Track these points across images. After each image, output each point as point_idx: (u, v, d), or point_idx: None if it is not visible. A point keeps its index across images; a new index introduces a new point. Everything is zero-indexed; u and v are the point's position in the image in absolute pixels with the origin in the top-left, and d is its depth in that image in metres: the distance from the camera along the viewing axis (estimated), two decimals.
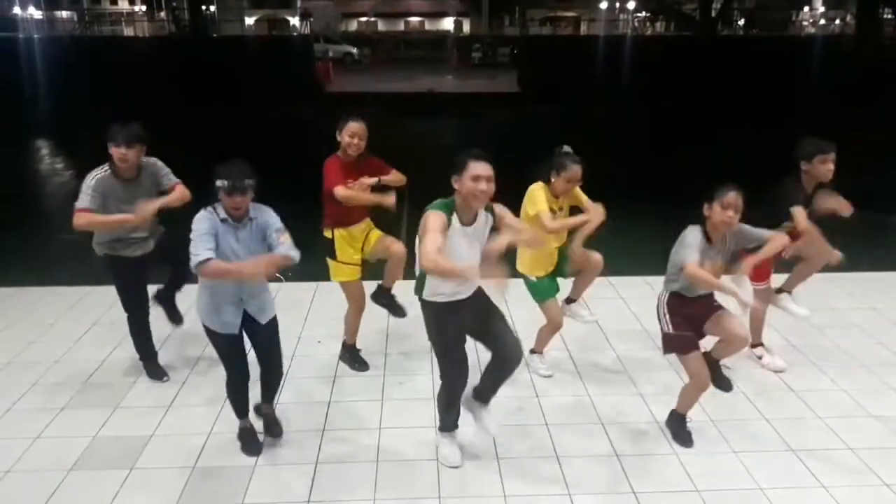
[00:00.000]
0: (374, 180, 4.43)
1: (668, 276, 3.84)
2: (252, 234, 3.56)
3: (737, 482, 3.69)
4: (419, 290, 3.58)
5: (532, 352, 4.85)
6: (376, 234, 4.67)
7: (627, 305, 5.92)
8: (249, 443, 3.96)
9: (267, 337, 3.84)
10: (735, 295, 3.55)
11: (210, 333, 3.74)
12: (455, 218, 3.40)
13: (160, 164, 4.46)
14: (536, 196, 4.30)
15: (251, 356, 3.89)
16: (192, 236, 3.40)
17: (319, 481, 3.71)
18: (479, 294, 3.66)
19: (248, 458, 3.89)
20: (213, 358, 4.74)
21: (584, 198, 4.45)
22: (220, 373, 3.94)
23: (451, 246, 3.36)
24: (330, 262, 4.63)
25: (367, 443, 4.04)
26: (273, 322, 3.85)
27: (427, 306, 3.60)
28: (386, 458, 3.90)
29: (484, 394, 3.82)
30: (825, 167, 4.28)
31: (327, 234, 4.58)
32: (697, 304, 3.81)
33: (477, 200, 3.36)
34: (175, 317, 4.87)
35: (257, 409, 4.05)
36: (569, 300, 4.83)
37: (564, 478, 3.72)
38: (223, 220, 3.49)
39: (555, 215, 4.31)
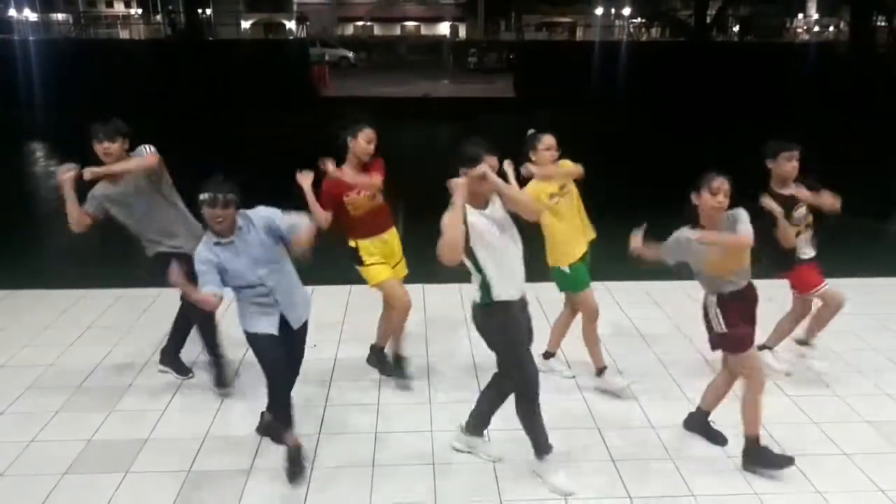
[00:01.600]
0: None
1: (704, 283, 3.78)
2: (250, 245, 3.54)
3: (733, 488, 3.69)
4: (487, 296, 3.47)
5: (548, 355, 4.85)
6: (402, 270, 4.65)
7: (624, 311, 5.92)
8: (296, 466, 3.71)
9: (296, 343, 3.83)
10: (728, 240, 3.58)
11: (252, 338, 3.69)
12: (468, 209, 3.38)
13: (144, 147, 4.35)
14: (528, 189, 4.34)
15: None
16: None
17: (315, 486, 3.70)
18: (525, 303, 3.64)
19: (243, 462, 3.88)
20: (208, 362, 4.73)
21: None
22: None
23: (476, 233, 3.35)
24: (359, 269, 4.54)
25: (362, 448, 4.03)
26: (304, 328, 3.84)
27: (497, 308, 3.49)
28: (382, 463, 3.89)
29: (477, 423, 3.93)
30: (790, 164, 4.39)
31: (351, 243, 4.50)
32: (747, 292, 3.72)
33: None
34: (182, 369, 4.79)
35: (263, 418, 4.06)
36: (546, 354, 4.87)
37: None
38: (216, 244, 3.50)
39: (556, 198, 4.36)
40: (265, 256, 3.57)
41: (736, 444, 4.01)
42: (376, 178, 4.30)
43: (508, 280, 3.47)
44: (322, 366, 4.96)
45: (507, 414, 4.24)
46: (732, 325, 3.71)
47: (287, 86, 26.33)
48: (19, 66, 27.43)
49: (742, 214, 3.63)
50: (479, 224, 3.37)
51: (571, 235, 4.49)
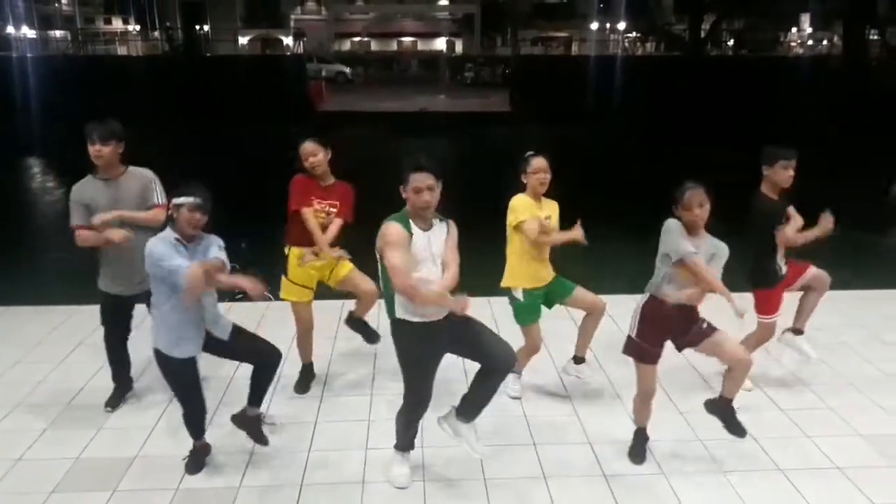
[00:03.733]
0: (341, 254, 4.48)
1: (654, 276, 3.75)
2: (203, 251, 3.58)
3: (724, 502, 3.66)
4: (390, 310, 3.53)
5: (578, 360, 4.79)
6: (346, 266, 4.61)
7: (616, 324, 5.89)
8: (196, 461, 3.93)
9: (238, 339, 3.81)
10: (729, 299, 3.49)
11: (167, 363, 3.68)
12: (413, 226, 3.43)
13: (153, 178, 4.36)
14: (516, 206, 4.35)
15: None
16: (158, 262, 3.43)
17: (304, 503, 3.67)
18: (454, 315, 3.55)
19: (231, 480, 3.84)
20: None
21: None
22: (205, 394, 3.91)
23: (414, 252, 3.40)
24: (282, 278, 4.60)
25: (353, 464, 4.00)
26: (236, 328, 3.83)
27: (399, 326, 3.53)
28: (372, 479, 3.86)
29: (469, 410, 3.70)
30: (786, 173, 4.38)
31: (286, 250, 4.58)
32: (675, 311, 3.70)
33: (423, 211, 3.41)
34: None
35: (235, 419, 3.98)
36: (576, 359, 4.75)
37: (551, 498, 3.69)
38: (176, 241, 3.52)
39: (539, 222, 4.33)
40: None
41: (726, 459, 4.00)
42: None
43: (410, 303, 3.44)
44: (314, 381, 4.93)
45: (497, 427, 4.23)
46: (641, 336, 3.78)
47: (283, 101, 26.42)
48: (17, 83, 27.54)
49: (723, 253, 3.67)
50: (416, 241, 3.42)
51: (539, 267, 4.43)
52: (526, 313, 4.50)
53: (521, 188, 4.42)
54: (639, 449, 4.03)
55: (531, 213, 4.31)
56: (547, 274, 4.49)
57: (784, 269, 4.57)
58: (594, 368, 5.03)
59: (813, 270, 4.64)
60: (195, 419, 3.88)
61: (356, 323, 4.89)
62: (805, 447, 4.14)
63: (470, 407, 3.70)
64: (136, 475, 3.90)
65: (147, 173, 4.38)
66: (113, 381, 4.68)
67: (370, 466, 3.97)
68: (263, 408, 4.06)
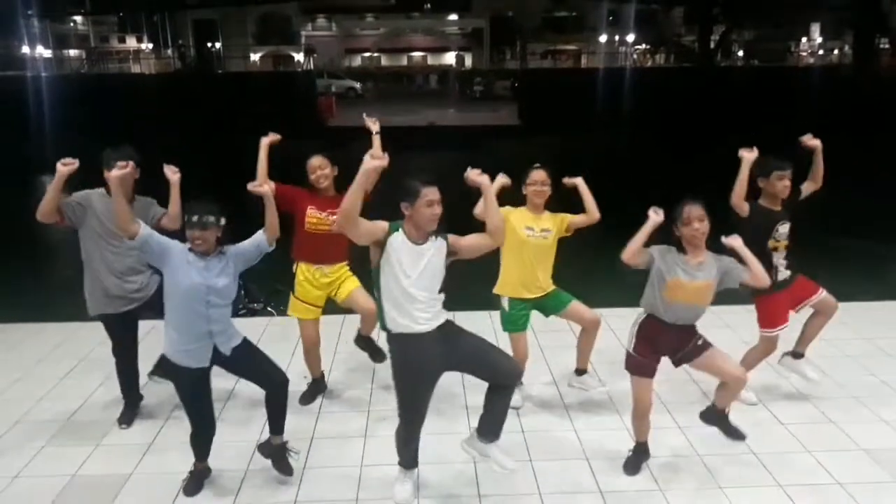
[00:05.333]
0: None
1: (647, 295, 3.80)
2: (220, 268, 3.59)
3: None
4: (382, 322, 3.56)
5: (579, 372, 4.80)
6: (352, 283, 4.62)
7: (617, 338, 5.85)
8: (194, 482, 3.89)
9: (246, 357, 3.80)
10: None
11: (177, 373, 3.68)
12: (402, 234, 3.44)
13: (152, 201, 4.40)
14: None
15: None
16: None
17: None
18: (450, 328, 3.57)
19: (226, 498, 3.84)
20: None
21: (575, 218, 4.48)
22: None
23: (394, 258, 3.40)
24: (290, 295, 4.64)
25: (348, 480, 3.98)
26: (245, 344, 3.80)
27: (393, 340, 3.55)
28: (367, 496, 3.84)
29: (489, 429, 3.71)
30: (781, 183, 4.39)
31: (294, 267, 4.61)
32: (672, 332, 3.75)
33: (431, 224, 3.42)
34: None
35: (262, 449, 3.98)
36: (578, 371, 4.79)
37: None
38: (190, 249, 3.57)
39: (530, 232, 4.39)
40: (216, 285, 3.58)
41: (725, 474, 3.94)
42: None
43: (404, 313, 3.44)
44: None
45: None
46: (640, 352, 3.79)
47: (294, 116, 26.55)
48: (31, 101, 27.92)
49: (736, 268, 3.72)
50: (399, 248, 3.42)
51: (527, 277, 4.45)
52: (509, 322, 4.55)
53: (524, 200, 4.45)
54: (634, 461, 4.00)
55: (525, 223, 4.39)
56: (538, 287, 4.48)
57: (785, 274, 4.48)
58: (597, 380, 4.96)
59: (822, 294, 4.57)
60: (201, 438, 3.84)
61: (363, 341, 4.90)
62: (805, 462, 4.07)
63: (489, 426, 3.71)
64: (131, 492, 3.91)
65: (147, 199, 4.40)
66: (123, 397, 4.66)
67: (365, 484, 3.95)
68: (258, 427, 4.05)
